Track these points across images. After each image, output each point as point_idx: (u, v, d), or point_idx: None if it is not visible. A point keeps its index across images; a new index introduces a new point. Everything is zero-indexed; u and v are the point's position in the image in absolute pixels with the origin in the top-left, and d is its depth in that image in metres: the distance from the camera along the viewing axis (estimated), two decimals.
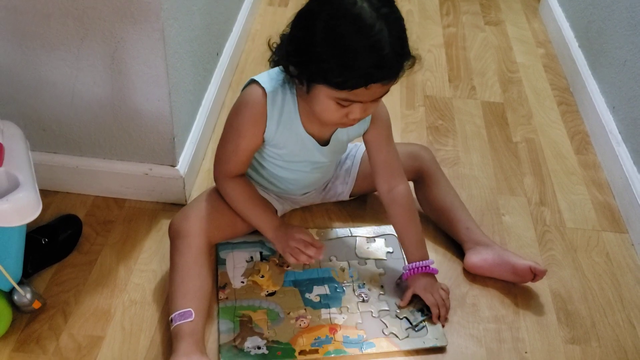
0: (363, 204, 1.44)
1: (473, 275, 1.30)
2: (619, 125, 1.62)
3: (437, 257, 1.33)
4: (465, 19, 2.29)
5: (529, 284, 1.27)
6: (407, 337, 1.15)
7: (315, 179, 1.31)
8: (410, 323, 1.18)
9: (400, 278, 1.25)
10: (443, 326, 1.18)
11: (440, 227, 1.37)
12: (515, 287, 1.28)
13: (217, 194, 1.25)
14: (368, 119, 1.22)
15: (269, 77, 1.16)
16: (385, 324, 1.17)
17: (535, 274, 1.23)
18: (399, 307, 1.20)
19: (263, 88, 1.14)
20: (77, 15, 1.16)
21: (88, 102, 1.28)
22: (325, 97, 1.05)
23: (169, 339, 1.13)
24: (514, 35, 2.22)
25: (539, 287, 1.28)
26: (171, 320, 1.09)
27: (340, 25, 1.00)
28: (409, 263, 1.22)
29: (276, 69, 1.15)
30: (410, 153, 1.39)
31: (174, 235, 1.18)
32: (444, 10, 2.33)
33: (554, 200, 1.51)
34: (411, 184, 1.41)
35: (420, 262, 1.21)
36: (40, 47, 1.21)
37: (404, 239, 1.25)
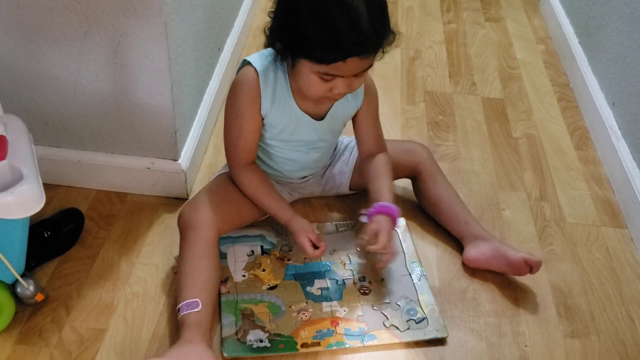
0: (363, 198, 1.44)
1: (473, 270, 1.30)
2: (619, 121, 1.63)
3: (437, 251, 1.34)
4: (466, 16, 2.29)
5: (529, 278, 1.28)
6: (408, 329, 1.16)
7: (313, 160, 1.32)
8: (412, 316, 1.18)
9: (365, 214, 1.23)
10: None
11: (439, 222, 1.38)
12: (515, 281, 1.28)
13: (224, 185, 1.26)
14: (361, 95, 1.25)
15: (259, 56, 1.19)
16: (386, 316, 1.18)
17: (531, 266, 1.23)
18: (360, 245, 1.23)
19: (255, 68, 1.17)
20: (80, 9, 1.16)
21: (91, 96, 1.28)
22: (308, 72, 1.09)
23: (172, 332, 1.14)
24: (514, 31, 2.23)
25: (539, 281, 1.29)
26: (178, 309, 1.10)
27: (321, 2, 1.02)
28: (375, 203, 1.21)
29: (268, 49, 1.17)
30: (407, 150, 1.40)
31: (185, 227, 1.18)
32: (444, 6, 2.33)
33: (554, 196, 1.52)
34: (409, 180, 1.43)
35: (389, 204, 1.21)
36: (43, 41, 1.21)
37: (374, 185, 1.26)
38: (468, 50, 2.09)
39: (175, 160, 1.37)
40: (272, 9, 1.11)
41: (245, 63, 1.20)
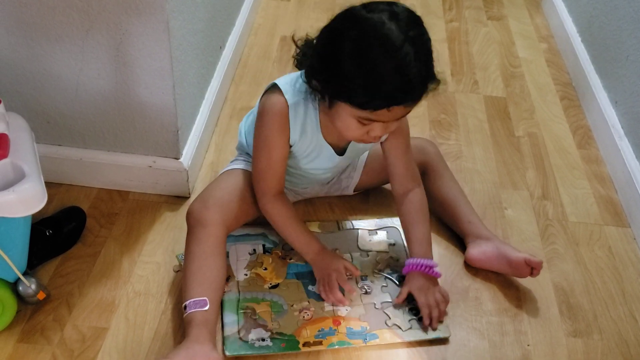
0: (366, 198, 1.45)
1: (475, 269, 1.30)
2: (622, 120, 1.62)
3: (439, 250, 1.34)
4: (468, 14, 2.29)
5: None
6: (410, 328, 1.15)
7: (325, 179, 1.34)
8: (414, 315, 1.18)
9: (400, 273, 1.24)
10: (434, 329, 1.15)
11: (443, 220, 1.38)
12: (518, 280, 1.28)
13: (233, 181, 1.25)
14: None
15: (291, 86, 1.15)
16: (388, 316, 1.17)
17: (533, 267, 1.22)
18: (394, 305, 1.20)
19: (285, 99, 1.14)
20: (82, 7, 1.16)
21: (92, 94, 1.28)
22: (347, 115, 1.06)
23: (174, 331, 1.14)
24: (516, 30, 2.22)
25: (541, 280, 1.29)
26: (185, 307, 1.09)
27: (367, 46, 0.99)
28: (411, 258, 1.21)
29: (298, 75, 1.15)
30: (416, 147, 1.39)
31: (194, 224, 1.17)
32: (446, 5, 2.33)
33: (556, 194, 1.52)
34: None
35: (424, 259, 1.19)
36: (44, 39, 1.21)
37: (410, 235, 1.24)
38: (470, 49, 2.08)
39: (177, 158, 1.36)
40: (310, 37, 1.09)
41: (276, 89, 1.15)
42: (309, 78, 1.09)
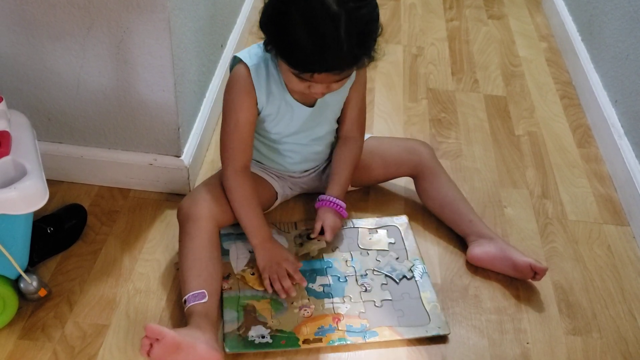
0: (365, 196, 1.45)
1: (475, 267, 1.30)
2: (621, 119, 1.63)
3: (439, 249, 1.34)
4: (469, 13, 2.29)
5: None
6: (410, 325, 1.16)
7: (315, 152, 1.33)
8: (393, 279, 1.23)
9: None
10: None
11: (443, 220, 1.38)
12: (517, 279, 1.28)
13: (220, 179, 1.26)
14: (349, 84, 1.25)
15: (248, 53, 1.20)
16: (365, 288, 1.21)
17: (536, 272, 1.22)
18: (309, 237, 1.28)
19: (245, 64, 1.18)
20: (83, 5, 1.16)
21: (93, 92, 1.28)
22: (286, 70, 1.11)
23: (174, 327, 1.13)
24: (516, 29, 2.22)
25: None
26: (184, 301, 1.10)
27: (296, 11, 1.02)
28: (326, 194, 1.28)
29: (256, 44, 1.19)
30: (409, 148, 1.40)
31: (184, 219, 1.18)
32: (447, 4, 2.33)
33: (556, 193, 1.52)
34: (411, 180, 1.42)
35: (336, 199, 1.27)
36: (45, 36, 1.21)
37: (335, 176, 1.30)
38: (470, 48, 2.09)
39: (178, 156, 1.37)
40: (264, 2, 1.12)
41: (237, 61, 1.20)
42: (263, 32, 1.12)
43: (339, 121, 1.33)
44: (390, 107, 1.77)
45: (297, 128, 1.26)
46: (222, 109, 1.24)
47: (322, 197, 1.29)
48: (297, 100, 1.22)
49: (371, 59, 1.10)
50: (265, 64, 1.18)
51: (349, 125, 1.32)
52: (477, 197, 1.48)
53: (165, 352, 0.99)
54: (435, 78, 1.92)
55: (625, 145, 1.56)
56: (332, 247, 1.30)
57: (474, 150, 1.64)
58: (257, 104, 1.20)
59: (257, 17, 1.12)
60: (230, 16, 1.78)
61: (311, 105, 1.24)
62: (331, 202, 1.27)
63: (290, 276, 1.18)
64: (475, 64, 2.00)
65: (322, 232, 1.27)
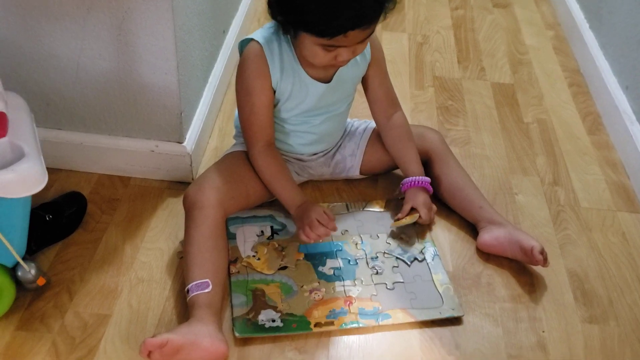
0: (374, 183, 1.41)
1: (487, 255, 1.27)
2: (633, 105, 1.59)
3: (450, 236, 1.31)
4: (474, 2, 2.25)
5: None
6: (422, 308, 1.13)
7: (326, 132, 1.30)
8: (405, 261, 1.21)
9: (399, 191, 1.30)
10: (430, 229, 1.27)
11: (453, 207, 1.34)
12: (530, 266, 1.25)
13: (231, 164, 1.24)
14: (367, 58, 1.25)
15: (260, 31, 1.19)
16: (376, 270, 1.20)
17: (542, 255, 1.17)
18: (397, 219, 1.26)
19: (257, 41, 1.17)
20: None
21: (93, 75, 1.24)
22: (311, 44, 1.10)
23: (178, 317, 1.11)
24: (522, 17, 2.19)
25: (555, 266, 1.25)
26: (187, 290, 1.07)
27: None
28: (406, 176, 1.28)
29: (268, 23, 1.17)
30: (418, 134, 1.37)
31: (190, 207, 1.15)
32: None
33: (567, 180, 1.49)
34: None
35: (420, 177, 1.27)
36: (44, 18, 1.17)
37: (402, 158, 1.30)
38: (476, 36, 2.05)
39: (180, 142, 1.33)
40: None
41: (246, 42, 1.18)
42: (274, 14, 1.11)
43: (371, 107, 1.32)
44: (396, 94, 1.72)
45: (310, 105, 1.23)
46: (236, 91, 1.22)
47: (405, 180, 1.28)
48: (314, 78, 1.20)
49: (392, 6, 1.10)
50: (278, 40, 1.17)
51: (384, 101, 1.31)
52: (487, 184, 1.44)
53: (167, 357, 0.97)
54: (442, 66, 1.88)
55: (637, 132, 1.52)
56: (341, 230, 1.27)
57: (483, 137, 1.60)
58: (271, 84, 1.18)
59: (260, 4, 1.10)
60: (233, 3, 1.74)
61: (327, 81, 1.22)
62: (415, 181, 1.27)
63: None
64: (481, 52, 1.96)
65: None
